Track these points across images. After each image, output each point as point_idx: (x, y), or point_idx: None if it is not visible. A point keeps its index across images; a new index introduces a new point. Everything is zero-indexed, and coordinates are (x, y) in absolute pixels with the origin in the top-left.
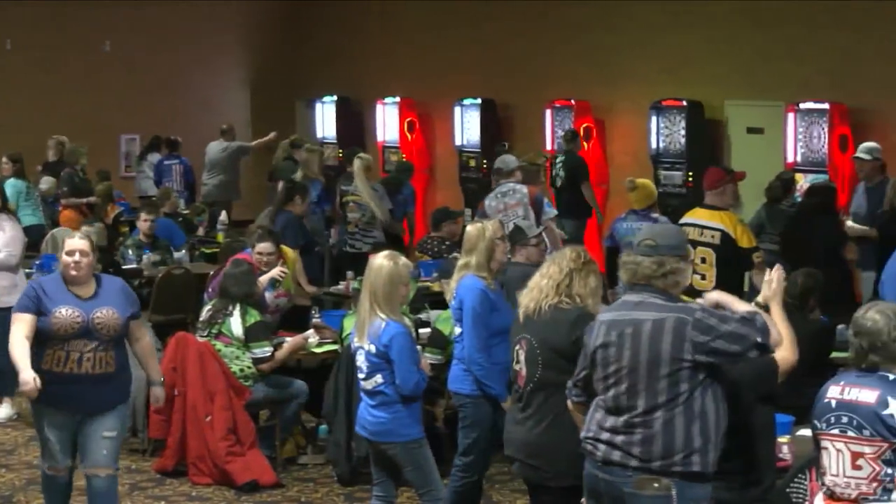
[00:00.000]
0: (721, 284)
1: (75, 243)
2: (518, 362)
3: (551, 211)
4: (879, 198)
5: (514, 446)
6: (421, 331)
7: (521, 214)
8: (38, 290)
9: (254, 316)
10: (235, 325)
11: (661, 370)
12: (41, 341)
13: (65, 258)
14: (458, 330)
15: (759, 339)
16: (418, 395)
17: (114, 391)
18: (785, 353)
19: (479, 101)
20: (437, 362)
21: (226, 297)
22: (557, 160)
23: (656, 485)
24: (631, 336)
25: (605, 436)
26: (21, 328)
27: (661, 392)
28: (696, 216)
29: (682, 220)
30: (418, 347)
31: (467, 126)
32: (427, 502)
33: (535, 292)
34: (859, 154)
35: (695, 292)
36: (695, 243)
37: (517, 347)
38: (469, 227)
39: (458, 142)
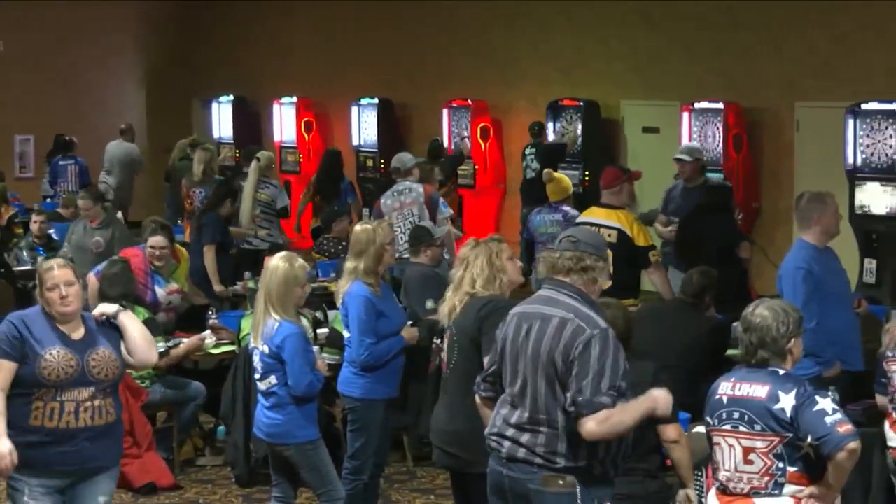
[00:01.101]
0: (619, 283)
1: (58, 274)
2: (444, 350)
3: (447, 210)
4: (699, 199)
5: (435, 434)
6: (319, 331)
7: (416, 213)
8: (20, 328)
9: (140, 314)
10: None
11: (557, 372)
12: (23, 392)
13: (49, 294)
14: (346, 334)
15: (579, 400)
16: (313, 396)
17: (114, 445)
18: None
19: (376, 100)
20: (335, 363)
21: (104, 299)
22: (528, 151)
23: (561, 482)
24: (537, 330)
25: (511, 432)
26: None
27: (560, 394)
28: (593, 215)
29: (580, 219)
30: (316, 348)
31: (364, 126)
32: (326, 502)
33: (457, 284)
34: (679, 155)
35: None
36: None
37: (445, 336)
38: (358, 229)
39: (355, 142)
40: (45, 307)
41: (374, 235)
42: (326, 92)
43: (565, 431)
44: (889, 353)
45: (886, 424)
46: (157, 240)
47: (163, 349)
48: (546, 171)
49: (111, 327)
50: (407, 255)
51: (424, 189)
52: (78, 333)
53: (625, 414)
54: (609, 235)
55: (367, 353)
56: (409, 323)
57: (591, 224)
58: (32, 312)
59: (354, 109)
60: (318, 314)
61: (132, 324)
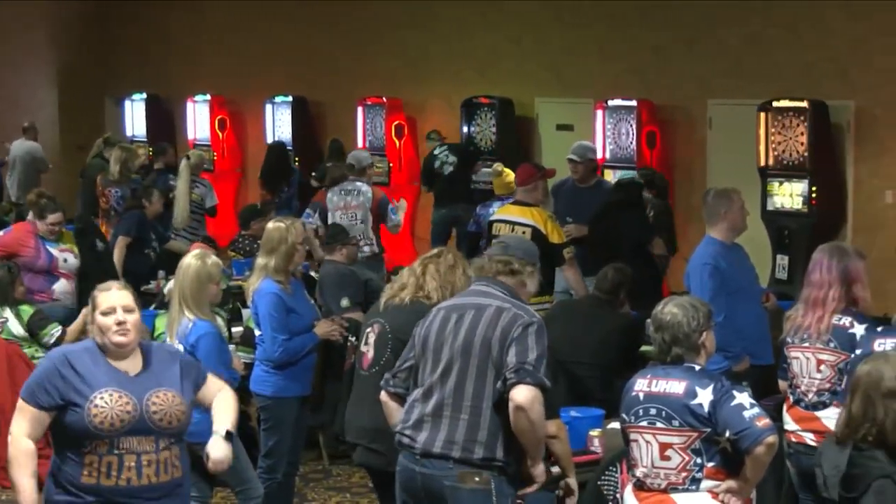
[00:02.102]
0: None
1: (115, 297)
2: (367, 344)
3: (396, 218)
4: (594, 199)
5: (355, 432)
6: (234, 329)
7: (360, 218)
8: (61, 368)
9: (26, 311)
10: (14, 326)
11: (490, 357)
12: (73, 445)
13: (102, 320)
14: (258, 332)
15: (526, 367)
16: None
17: None
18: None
19: (290, 98)
20: (250, 361)
21: None
22: (438, 151)
23: (477, 479)
24: (471, 318)
25: (427, 426)
26: (24, 427)
27: (489, 381)
28: (507, 213)
29: (493, 217)
30: (232, 347)
31: (279, 124)
32: (243, 500)
33: (399, 284)
34: (571, 156)
35: None
36: None
37: (368, 330)
38: (270, 227)
39: (269, 139)
40: (96, 336)
41: (287, 234)
42: (240, 90)
43: (488, 421)
44: (789, 340)
45: (784, 408)
46: (56, 217)
47: (59, 329)
48: (497, 164)
49: (177, 358)
50: (327, 256)
51: (374, 193)
52: (134, 368)
53: (540, 423)
54: (523, 232)
55: (281, 349)
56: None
57: (506, 221)
58: (78, 347)
59: (269, 107)
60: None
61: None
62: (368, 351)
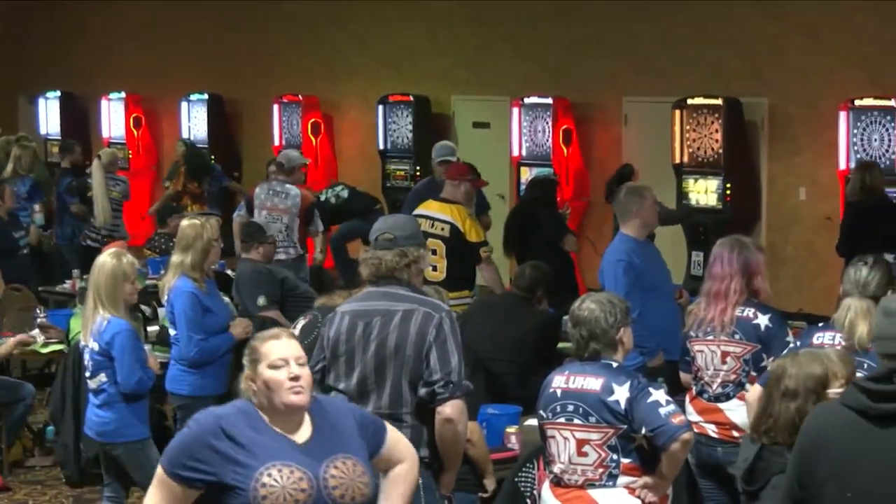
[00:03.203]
0: (453, 276)
1: (285, 347)
2: (294, 327)
3: (320, 223)
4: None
5: None
6: (149, 329)
7: (286, 222)
8: (214, 440)
9: None
10: None
11: (406, 361)
12: None
13: (271, 375)
14: (173, 331)
15: (453, 380)
16: (143, 394)
17: None
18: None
19: (206, 96)
20: (166, 360)
21: None
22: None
23: None
24: (380, 326)
25: None
26: None
27: (406, 389)
28: (428, 208)
29: (416, 212)
30: (148, 346)
31: (194, 122)
32: None
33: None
34: (449, 157)
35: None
36: (426, 235)
37: (301, 318)
38: (185, 224)
39: (185, 137)
40: (258, 396)
41: (202, 231)
42: (156, 87)
43: (409, 426)
44: (693, 334)
45: (687, 399)
46: None
47: None
48: None
49: (351, 413)
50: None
51: (303, 198)
52: (304, 434)
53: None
54: (442, 229)
55: (197, 349)
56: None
57: (426, 217)
58: (230, 410)
59: (184, 105)
60: (147, 310)
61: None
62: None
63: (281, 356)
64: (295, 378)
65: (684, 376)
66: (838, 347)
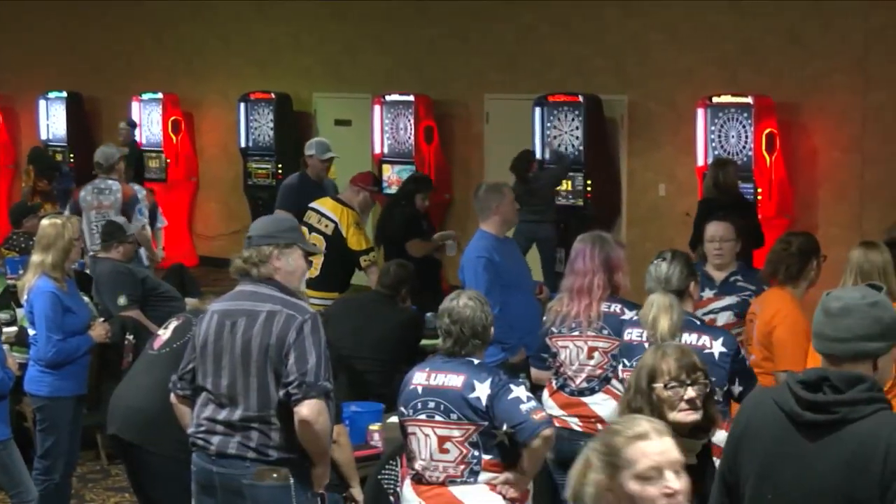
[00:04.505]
0: (326, 274)
1: (660, 449)
2: (166, 328)
3: (143, 219)
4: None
5: (124, 408)
6: (6, 329)
7: (114, 218)
8: None
9: None
10: None
11: (269, 363)
12: None
13: (642, 490)
14: (32, 332)
15: (308, 380)
16: (2, 395)
17: None
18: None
19: (64, 94)
20: (26, 361)
21: None
22: None
23: (275, 475)
24: (244, 326)
25: (220, 428)
26: None
27: (272, 390)
28: (322, 204)
29: (311, 205)
30: (6, 347)
31: (53, 120)
32: None
33: None
34: (332, 154)
35: None
36: (311, 228)
37: (174, 318)
38: (45, 223)
39: (43, 136)
40: None
41: (63, 230)
42: (12, 85)
43: (278, 425)
44: (555, 330)
45: (546, 394)
46: None
47: None
48: None
49: None
50: (103, 253)
51: (123, 192)
52: None
53: (326, 432)
54: (326, 226)
55: (55, 350)
56: (102, 319)
57: (315, 210)
58: None
59: (42, 103)
60: (4, 314)
61: None
62: (165, 334)
63: (653, 464)
64: (671, 495)
65: (536, 372)
66: (646, 343)
